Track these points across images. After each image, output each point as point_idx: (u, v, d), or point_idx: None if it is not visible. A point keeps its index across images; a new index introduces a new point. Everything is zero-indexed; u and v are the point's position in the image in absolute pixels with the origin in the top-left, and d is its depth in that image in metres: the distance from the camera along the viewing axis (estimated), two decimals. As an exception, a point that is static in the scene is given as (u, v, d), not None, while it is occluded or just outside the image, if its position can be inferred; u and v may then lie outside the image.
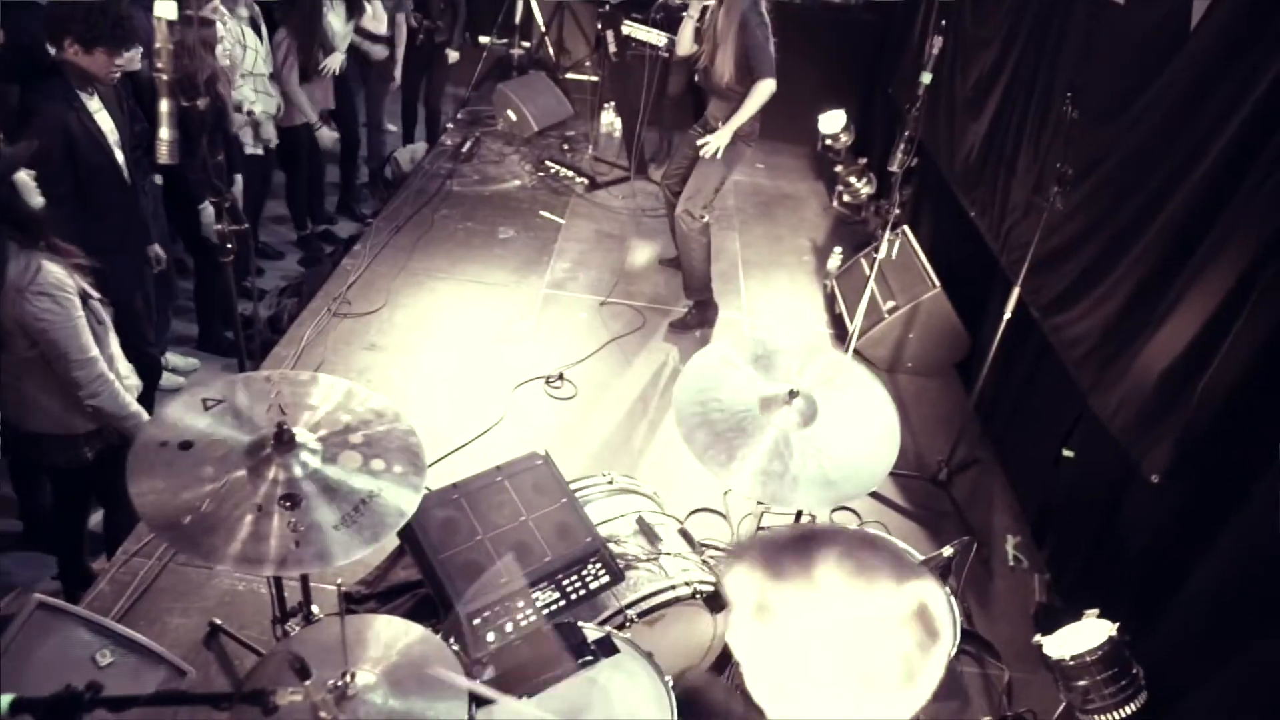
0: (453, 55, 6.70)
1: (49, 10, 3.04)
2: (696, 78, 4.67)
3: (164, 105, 2.19)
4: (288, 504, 1.80)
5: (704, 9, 4.43)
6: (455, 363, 4.44)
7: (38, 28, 3.41)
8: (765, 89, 4.28)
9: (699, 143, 4.56)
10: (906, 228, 5.26)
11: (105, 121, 3.26)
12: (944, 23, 3.66)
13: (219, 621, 3.03)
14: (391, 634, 1.91)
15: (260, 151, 4.77)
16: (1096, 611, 2.84)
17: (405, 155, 6.68)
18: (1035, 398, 4.07)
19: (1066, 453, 3.61)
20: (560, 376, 4.39)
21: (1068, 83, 3.67)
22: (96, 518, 3.40)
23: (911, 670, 1.07)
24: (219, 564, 1.70)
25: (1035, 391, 4.08)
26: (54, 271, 2.55)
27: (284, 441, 1.87)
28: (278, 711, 1.47)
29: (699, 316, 4.96)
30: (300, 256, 5.66)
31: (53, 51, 3.06)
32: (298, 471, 1.89)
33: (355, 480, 1.93)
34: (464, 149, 6.73)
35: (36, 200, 2.57)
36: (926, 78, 3.54)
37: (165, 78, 2.17)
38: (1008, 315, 3.67)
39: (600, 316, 4.97)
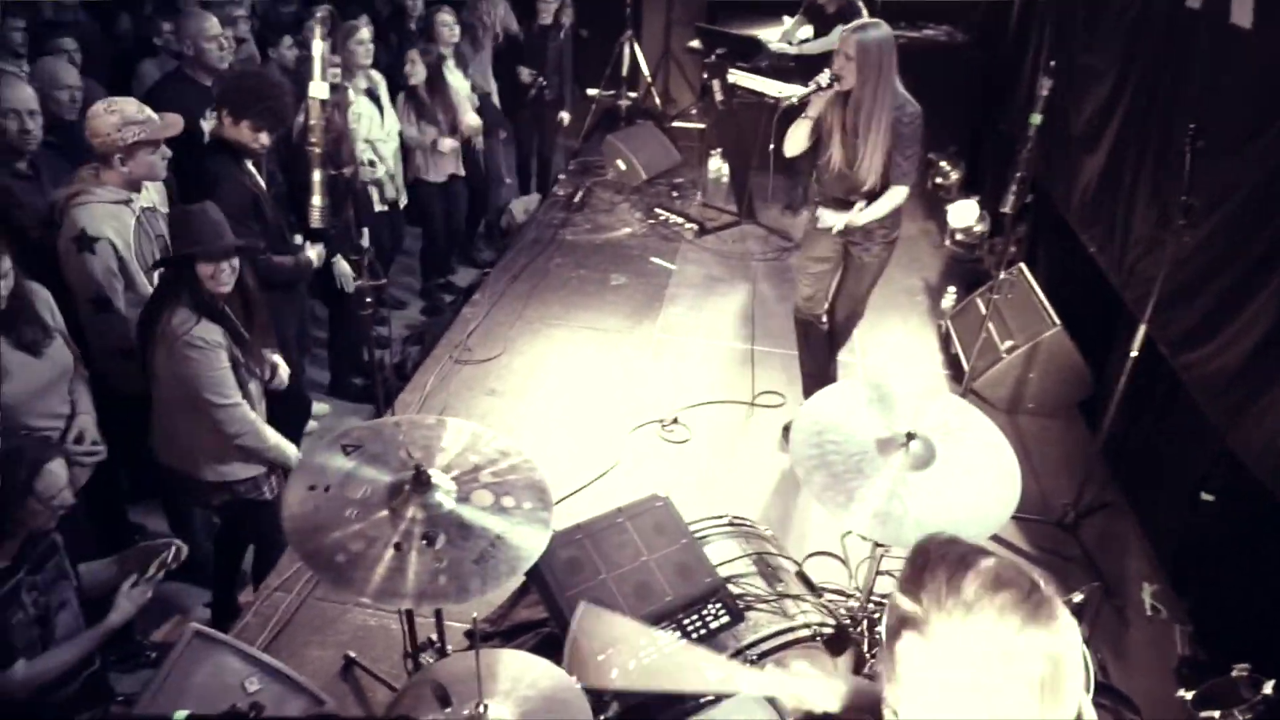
0: (565, 116, 6.99)
1: (233, 89, 3.32)
2: (814, 176, 4.07)
3: (316, 175, 2.40)
4: (426, 541, 1.90)
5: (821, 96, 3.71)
6: (571, 407, 4.56)
7: (190, 103, 3.72)
8: (898, 195, 3.80)
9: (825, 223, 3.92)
10: (1023, 265, 5.14)
11: (260, 186, 3.54)
12: (1053, 63, 3.59)
13: (353, 655, 3.18)
14: (520, 668, 1.98)
15: (385, 208, 5.06)
16: (1248, 667, 2.69)
17: (520, 206, 6.94)
18: (1168, 438, 3.90)
19: (1205, 496, 3.45)
20: (675, 420, 4.45)
21: (1190, 113, 3.57)
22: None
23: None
24: (364, 596, 1.81)
25: (1168, 431, 3.91)
26: (207, 329, 2.78)
27: (422, 482, 1.98)
28: (420, 738, 1.56)
29: None
30: (423, 306, 5.92)
31: (218, 125, 3.33)
32: (434, 511, 1.99)
33: (488, 518, 2.02)
34: (575, 199, 6.94)
35: None
36: (1036, 119, 3.46)
37: (317, 150, 2.38)
38: (1134, 353, 3.55)
39: (714, 361, 5.02)
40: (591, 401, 4.61)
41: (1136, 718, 3.10)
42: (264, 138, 3.36)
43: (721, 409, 4.60)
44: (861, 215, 3.81)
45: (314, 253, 3.71)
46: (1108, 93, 4.51)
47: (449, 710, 1.57)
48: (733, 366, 4.94)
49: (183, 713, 1.57)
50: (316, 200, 2.35)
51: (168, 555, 2.56)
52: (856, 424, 2.66)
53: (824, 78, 3.63)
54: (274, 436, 3.05)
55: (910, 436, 2.56)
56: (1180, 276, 3.44)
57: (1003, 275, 3.89)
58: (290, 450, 3.11)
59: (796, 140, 3.82)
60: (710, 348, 5.16)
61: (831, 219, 3.87)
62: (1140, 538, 3.94)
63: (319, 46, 2.31)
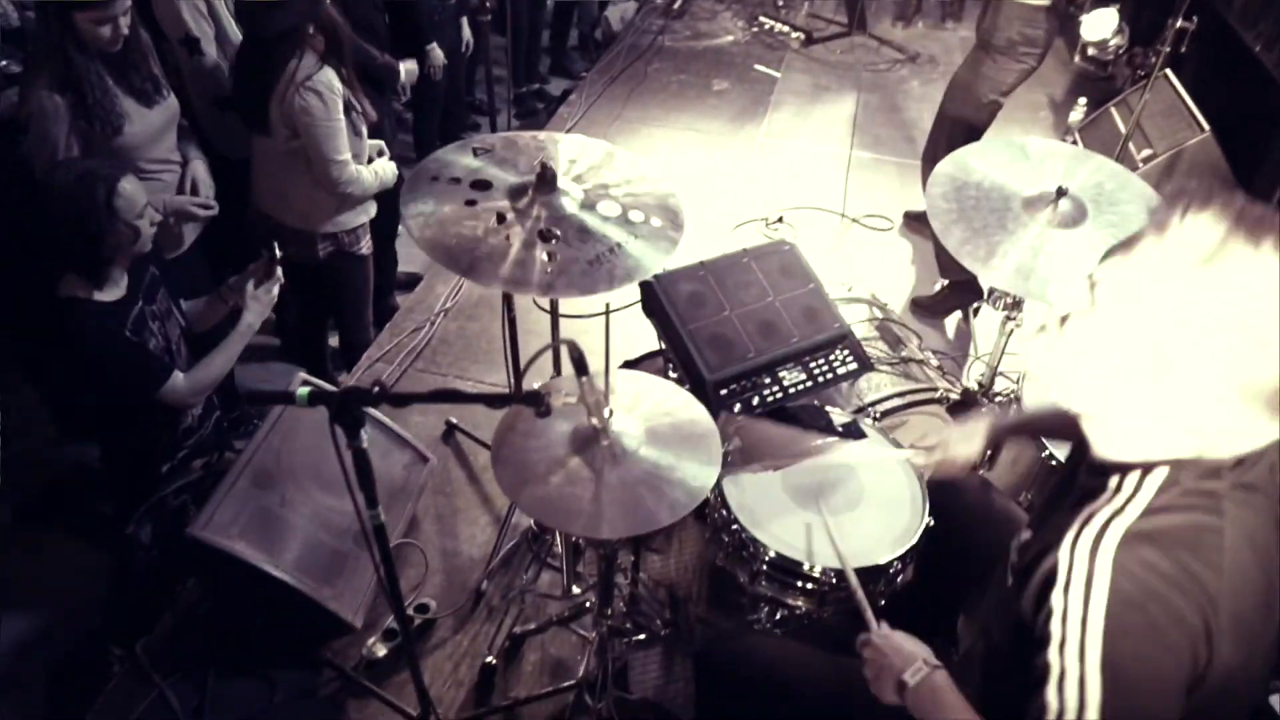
0: None
1: None
2: None
3: None
4: (545, 238, 1.79)
5: None
6: (672, 204, 4.38)
7: None
8: None
9: None
10: (1169, 70, 4.68)
11: None
12: None
13: (455, 420, 3.18)
14: (645, 387, 1.89)
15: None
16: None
17: (615, 15, 6.59)
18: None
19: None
20: (780, 219, 4.25)
21: None
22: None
23: None
24: (488, 284, 1.72)
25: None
26: (329, 75, 2.70)
27: (546, 181, 1.86)
28: (550, 413, 1.47)
29: (955, 298, 3.74)
30: (515, 112, 5.72)
31: None
32: (558, 211, 1.87)
33: (611, 227, 1.90)
34: (675, 6, 6.56)
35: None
36: None
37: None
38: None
39: (820, 166, 4.75)
40: (693, 199, 4.36)
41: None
42: None
43: (830, 214, 4.38)
44: None
45: (409, 65, 3.63)
46: None
47: (585, 379, 1.48)
48: (839, 173, 4.67)
49: (306, 389, 1.49)
50: None
51: (266, 258, 2.50)
52: (1000, 179, 2.44)
53: None
54: (372, 172, 2.98)
55: (1061, 193, 2.34)
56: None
57: (1159, 62, 3.49)
58: (388, 170, 3.06)
59: None
60: (817, 153, 4.89)
61: None
62: None
63: None
